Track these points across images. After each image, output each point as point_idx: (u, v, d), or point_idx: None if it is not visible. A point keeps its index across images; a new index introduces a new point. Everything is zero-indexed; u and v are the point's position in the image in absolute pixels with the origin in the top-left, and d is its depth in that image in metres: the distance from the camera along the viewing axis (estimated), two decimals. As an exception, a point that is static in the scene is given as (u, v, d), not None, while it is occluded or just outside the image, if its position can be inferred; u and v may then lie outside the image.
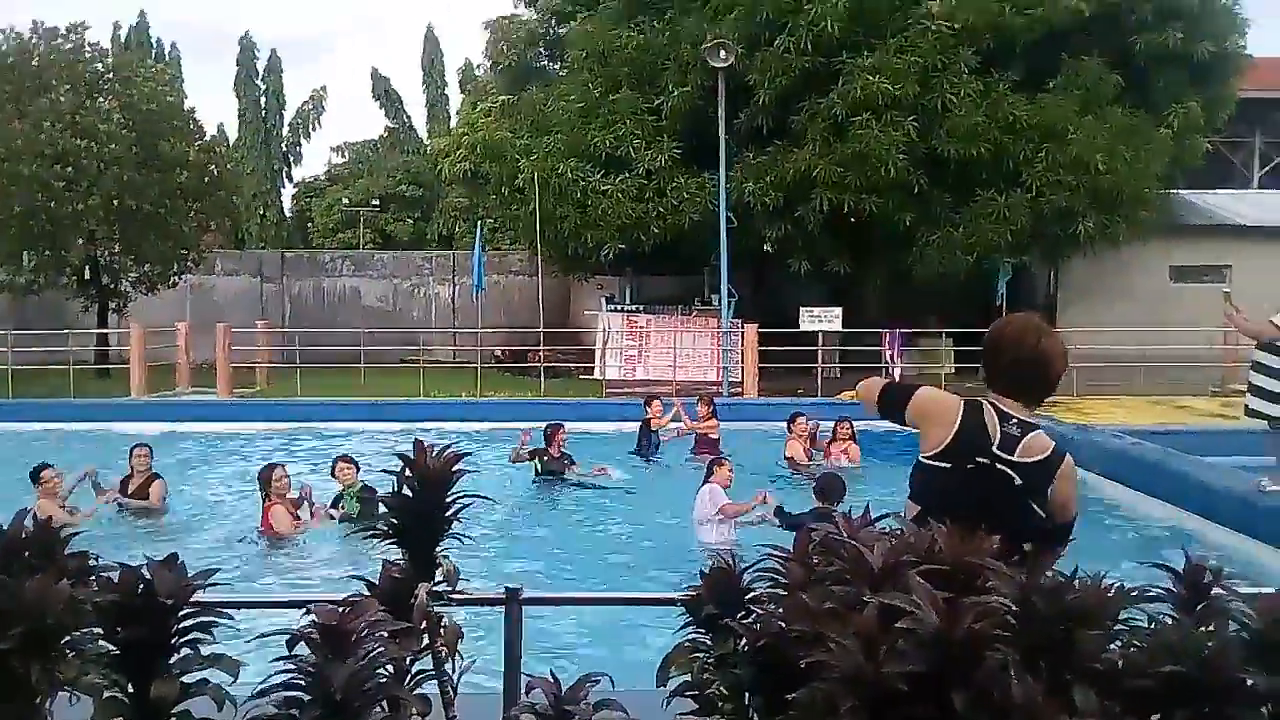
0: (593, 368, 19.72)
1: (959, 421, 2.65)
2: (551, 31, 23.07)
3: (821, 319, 17.91)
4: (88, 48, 21.72)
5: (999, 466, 2.60)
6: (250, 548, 7.82)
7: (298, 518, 7.94)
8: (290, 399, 17.19)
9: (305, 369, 19.43)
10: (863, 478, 10.71)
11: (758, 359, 17.65)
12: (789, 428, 11.41)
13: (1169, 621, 1.54)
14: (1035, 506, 2.61)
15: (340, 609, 1.34)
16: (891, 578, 1.37)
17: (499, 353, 23.14)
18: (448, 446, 1.65)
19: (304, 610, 1.52)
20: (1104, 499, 9.53)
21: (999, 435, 2.62)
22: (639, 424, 12.18)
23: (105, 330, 22.23)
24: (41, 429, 14.14)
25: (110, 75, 21.67)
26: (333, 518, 8.13)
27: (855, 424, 11.43)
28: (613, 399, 16.93)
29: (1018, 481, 2.59)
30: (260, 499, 7.99)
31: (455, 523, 1.64)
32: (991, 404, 2.68)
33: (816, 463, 11.02)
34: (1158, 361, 17.33)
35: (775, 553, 1.80)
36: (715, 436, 12.05)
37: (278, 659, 1.45)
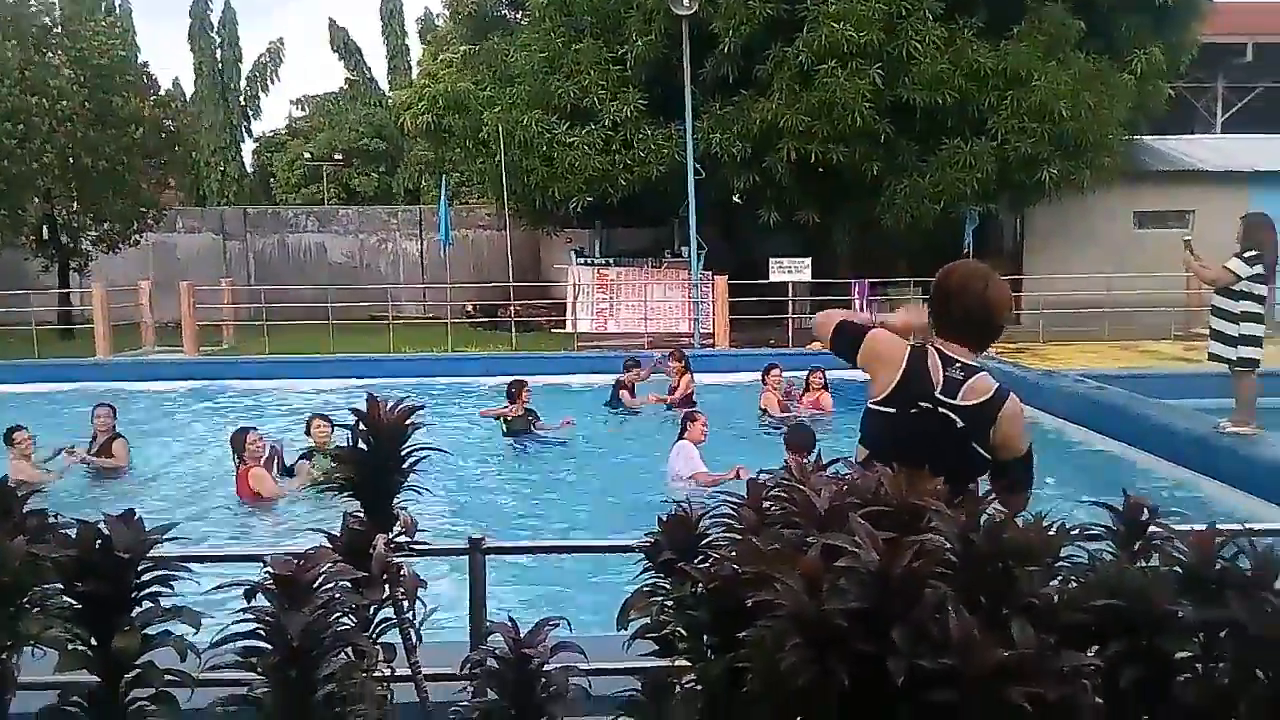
0: (564, 321, 19.70)
1: (903, 366, 2.71)
2: (513, -21, 22.65)
3: (791, 269, 17.97)
4: (33, 2, 21.07)
5: (940, 410, 2.66)
6: (225, 512, 7.78)
7: (275, 483, 7.90)
8: (259, 356, 17.05)
9: (272, 326, 19.25)
10: (838, 429, 10.85)
11: (728, 310, 17.70)
12: (763, 379, 11.48)
13: (1108, 559, 1.60)
14: (978, 447, 2.67)
15: (296, 560, 1.36)
16: (837, 520, 1.41)
17: (469, 308, 23.03)
18: (402, 400, 1.66)
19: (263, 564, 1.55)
20: (1069, 444, 9.71)
21: (941, 380, 2.68)
22: (614, 379, 12.20)
23: (67, 290, 21.88)
24: (6, 390, 13.95)
25: (58, 30, 21.08)
26: (313, 477, 8.08)
27: (828, 374, 11.55)
28: (585, 352, 16.96)
29: (959, 424, 2.65)
30: (235, 464, 7.91)
31: (412, 475, 1.65)
32: (937, 349, 2.74)
33: (791, 414, 11.11)
34: (1123, 307, 17.58)
35: (730, 498, 1.84)
36: (689, 392, 12.09)
37: (238, 610, 1.48)
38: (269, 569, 1.36)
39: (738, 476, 7.92)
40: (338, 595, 1.39)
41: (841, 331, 2.94)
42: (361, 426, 1.59)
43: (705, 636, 1.62)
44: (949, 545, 1.41)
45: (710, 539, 1.82)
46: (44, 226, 20.89)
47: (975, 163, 16.80)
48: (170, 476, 9.38)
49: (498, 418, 10.59)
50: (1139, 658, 1.33)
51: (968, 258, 18.26)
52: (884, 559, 1.23)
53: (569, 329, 19.33)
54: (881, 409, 2.73)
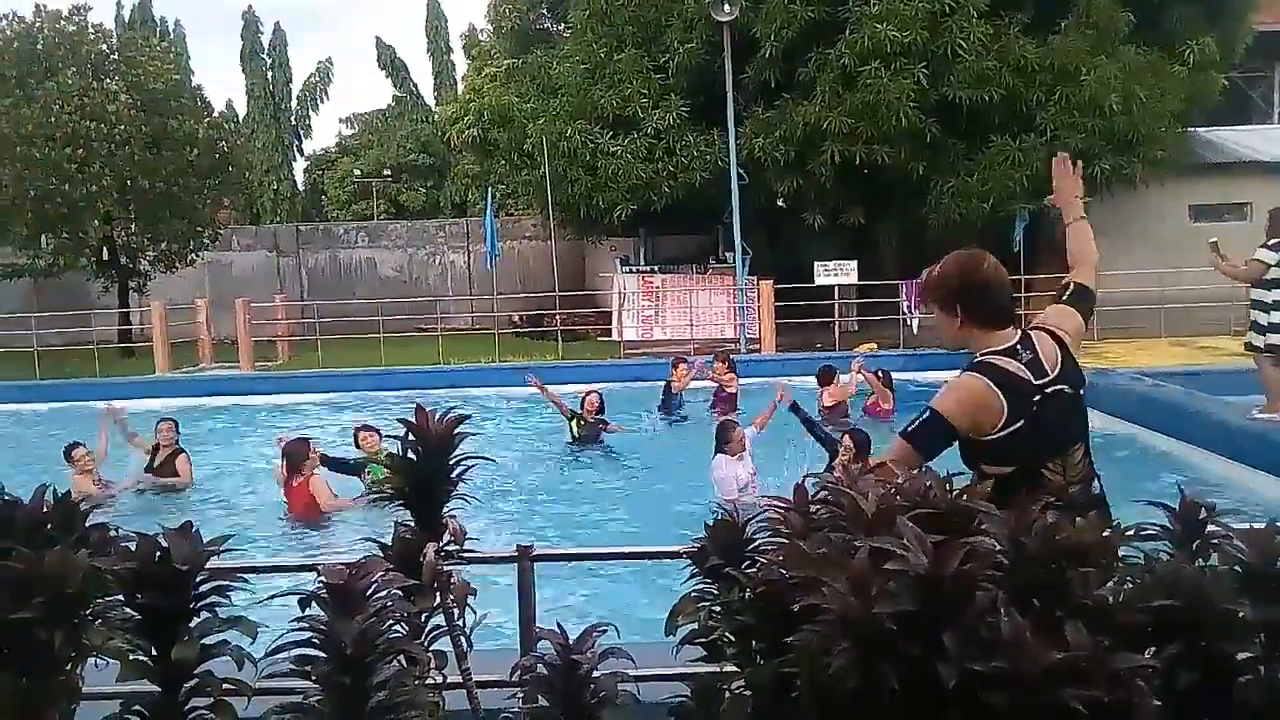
0: (610, 330, 19.75)
1: (996, 388, 2.69)
2: (554, -8, 22.81)
3: (837, 273, 17.83)
4: (91, 29, 21.70)
5: (1050, 391, 2.72)
6: (279, 526, 7.88)
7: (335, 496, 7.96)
8: (313, 370, 17.34)
9: (325, 341, 19.57)
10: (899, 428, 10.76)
11: (774, 315, 17.62)
12: (821, 382, 11.46)
13: (1165, 559, 1.57)
14: (1083, 395, 2.81)
15: (348, 569, 1.38)
16: (885, 523, 1.40)
17: (516, 318, 23.20)
18: (449, 410, 1.68)
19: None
20: (1126, 443, 9.49)
21: (1028, 371, 2.72)
22: (663, 384, 12.24)
23: (127, 309, 22.45)
24: (70, 408, 14.34)
25: (115, 56, 21.67)
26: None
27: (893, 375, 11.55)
28: (631, 360, 16.99)
29: (1068, 390, 2.76)
30: (284, 477, 7.95)
31: (460, 484, 1.68)
32: (995, 356, 2.74)
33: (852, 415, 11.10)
34: (1179, 302, 17.18)
35: (776, 503, 1.84)
36: (733, 391, 12.11)
37: (293, 619, 1.50)
38: (322, 578, 1.39)
39: (781, 397, 8.00)
40: (390, 604, 1.41)
41: (925, 446, 2.72)
42: (410, 437, 1.61)
43: (753, 641, 1.61)
44: (1000, 547, 1.39)
45: (757, 544, 1.82)
46: (104, 248, 21.46)
47: (1024, 160, 16.53)
48: (227, 491, 9.56)
49: (552, 401, 10.68)
50: (1198, 660, 1.30)
51: (1019, 257, 18.04)
52: (933, 561, 1.22)
53: (615, 337, 19.37)
54: (1009, 430, 2.68)
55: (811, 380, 11.93)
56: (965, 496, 1.53)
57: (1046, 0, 16.92)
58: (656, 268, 20.26)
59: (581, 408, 10.66)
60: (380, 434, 8.39)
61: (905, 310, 17.63)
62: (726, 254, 19.46)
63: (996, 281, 2.80)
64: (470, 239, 26.23)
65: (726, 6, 16.29)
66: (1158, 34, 17.32)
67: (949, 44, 16.26)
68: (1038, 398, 2.70)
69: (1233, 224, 18.21)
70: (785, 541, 1.70)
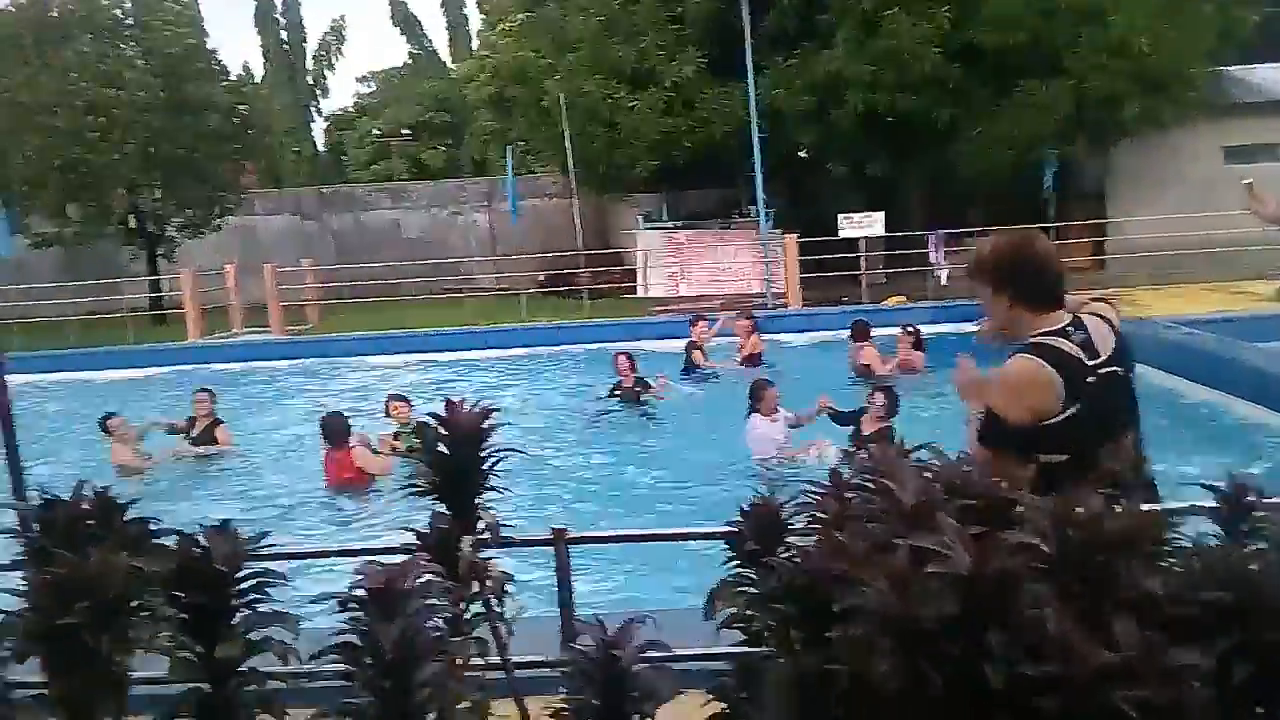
0: (635, 287, 19.69)
1: (1051, 368, 2.62)
2: (569, -58, 22.41)
3: (862, 224, 17.61)
4: (104, -4, 21.64)
5: (1103, 373, 2.66)
6: (316, 496, 7.95)
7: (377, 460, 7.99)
8: (344, 334, 17.44)
9: (353, 304, 19.64)
10: (931, 384, 10.68)
11: (799, 269, 17.48)
12: (854, 337, 11.31)
13: (1212, 543, 1.54)
14: (1133, 378, 2.77)
15: (386, 571, 1.38)
16: (924, 516, 1.38)
17: (541, 277, 23.17)
18: (479, 401, 1.67)
19: (358, 561, 1.57)
20: (1160, 392, 9.37)
21: (1081, 351, 2.66)
22: (684, 344, 12.16)
23: (156, 277, 22.63)
24: (106, 377, 14.53)
25: (130, 21, 21.60)
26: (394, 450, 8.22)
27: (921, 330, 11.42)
28: (656, 317, 16.95)
29: (1120, 372, 2.71)
30: (327, 449, 7.98)
31: (492, 476, 1.67)
32: (1047, 336, 2.67)
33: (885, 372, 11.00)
34: (1213, 247, 16.86)
35: (813, 487, 1.82)
36: (759, 350, 12.04)
37: (336, 612, 1.51)
38: (361, 580, 1.39)
39: (822, 407, 7.94)
40: (429, 602, 1.41)
41: (993, 439, 2.66)
42: (441, 430, 1.60)
43: (792, 630, 1.60)
44: (1043, 539, 1.37)
45: (794, 527, 1.81)
46: (130, 216, 21.58)
47: (1052, 104, 16.21)
48: (265, 459, 9.65)
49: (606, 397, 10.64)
50: (1252, 652, 1.27)
51: (1047, 204, 17.75)
52: (976, 560, 1.20)
53: (640, 294, 19.32)
54: (1064, 415, 2.62)
55: (842, 334, 11.85)
56: (1005, 482, 1.50)
57: (1075, -63, 16.45)
58: (680, 223, 20.11)
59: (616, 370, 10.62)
60: (410, 404, 8.44)
61: (933, 261, 17.42)
62: (750, 208, 19.28)
63: (1048, 261, 2.74)
64: (492, 198, 26.14)
65: (744, -46, 15.97)
66: (1188, -30, 16.82)
67: (974, -14, 15.88)
68: (1091, 379, 2.64)
69: (1267, 165, 17.79)
70: (821, 529, 1.69)
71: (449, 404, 1.63)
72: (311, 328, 19.48)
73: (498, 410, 1.62)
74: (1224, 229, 16.70)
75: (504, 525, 1.84)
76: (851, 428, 7.96)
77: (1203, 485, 1.68)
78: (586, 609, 2.31)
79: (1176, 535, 1.59)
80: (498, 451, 1.66)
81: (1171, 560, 1.51)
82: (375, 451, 8.29)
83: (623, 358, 10.60)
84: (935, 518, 1.35)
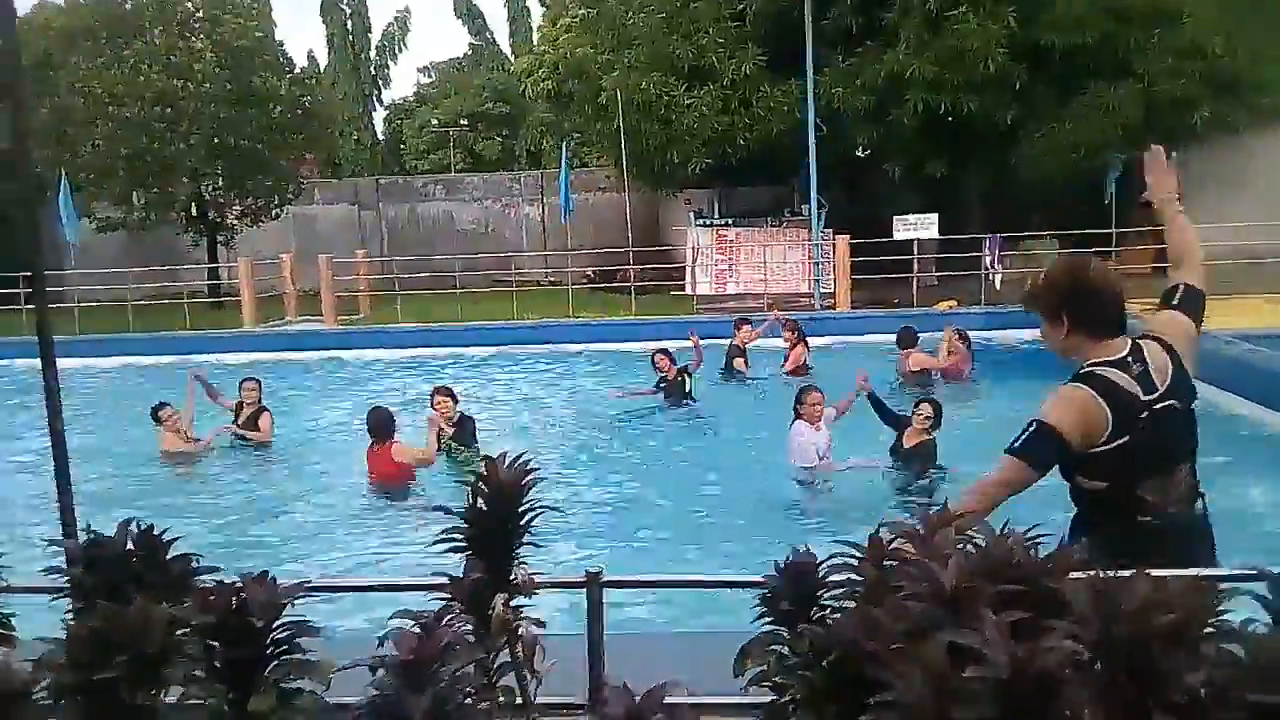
0: (684, 284, 19.65)
1: (1101, 399, 2.58)
2: (630, -62, 22.38)
3: (916, 226, 17.38)
4: (177, -11, 22.11)
5: (1159, 408, 2.61)
6: (359, 490, 8.06)
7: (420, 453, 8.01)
8: (395, 325, 17.66)
9: (405, 295, 19.90)
10: (976, 393, 10.53)
11: (850, 270, 17.30)
12: (901, 344, 11.15)
13: (1263, 630, 1.48)
14: (1194, 411, 2.70)
15: (417, 637, 1.39)
16: (965, 602, 1.35)
17: (590, 272, 23.22)
18: (520, 456, 1.67)
19: (392, 594, 1.57)
20: (1224, 414, 9.11)
21: (1137, 385, 2.60)
22: (727, 345, 12.10)
23: (215, 264, 23.12)
24: (164, 362, 14.87)
25: (200, 14, 22.04)
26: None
27: (970, 335, 11.26)
28: (705, 315, 16.90)
29: (1179, 406, 2.65)
30: (372, 444, 8.06)
31: (528, 531, 1.67)
32: (1102, 367, 2.62)
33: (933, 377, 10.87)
34: (1282, 257, 16.37)
35: (851, 550, 1.79)
36: (804, 361, 11.90)
37: (371, 661, 1.51)
38: (392, 647, 1.40)
39: (864, 383, 7.89)
40: (459, 669, 1.42)
41: (1038, 458, 2.60)
42: (483, 486, 1.60)
43: (824, 703, 1.58)
44: (1086, 629, 1.33)
45: (831, 590, 1.78)
46: (192, 204, 22.06)
47: (1119, 107, 15.83)
48: (309, 449, 9.82)
49: (636, 394, 10.68)
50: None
51: (1111, 210, 17.34)
52: (1016, 662, 1.17)
53: (688, 291, 19.28)
54: (1113, 445, 2.58)
55: (889, 338, 11.69)
56: (1052, 566, 1.46)
57: (1147, -62, 16.03)
58: (730, 221, 20.02)
59: (654, 368, 10.63)
60: (455, 397, 8.50)
61: (988, 265, 17.14)
62: (802, 207, 19.13)
63: (1107, 288, 2.68)
64: (545, 191, 26.25)
65: (807, -48, 15.81)
66: (1267, -30, 16.30)
67: (1041, -15, 15.55)
68: (1145, 414, 2.59)
69: (1345, 173, 17.24)
70: (859, 594, 1.67)
71: (488, 461, 1.63)
72: (363, 318, 19.76)
73: (537, 469, 1.62)
74: (1296, 239, 16.22)
75: (539, 547, 1.83)
76: (893, 436, 7.85)
77: (1255, 569, 1.61)
78: (614, 631, 2.30)
79: (1226, 611, 1.54)
80: (537, 508, 1.65)
81: (1220, 645, 1.46)
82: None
83: (662, 357, 10.60)
84: (976, 607, 1.31)
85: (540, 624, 1.90)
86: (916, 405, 7.90)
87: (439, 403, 8.45)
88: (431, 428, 8.03)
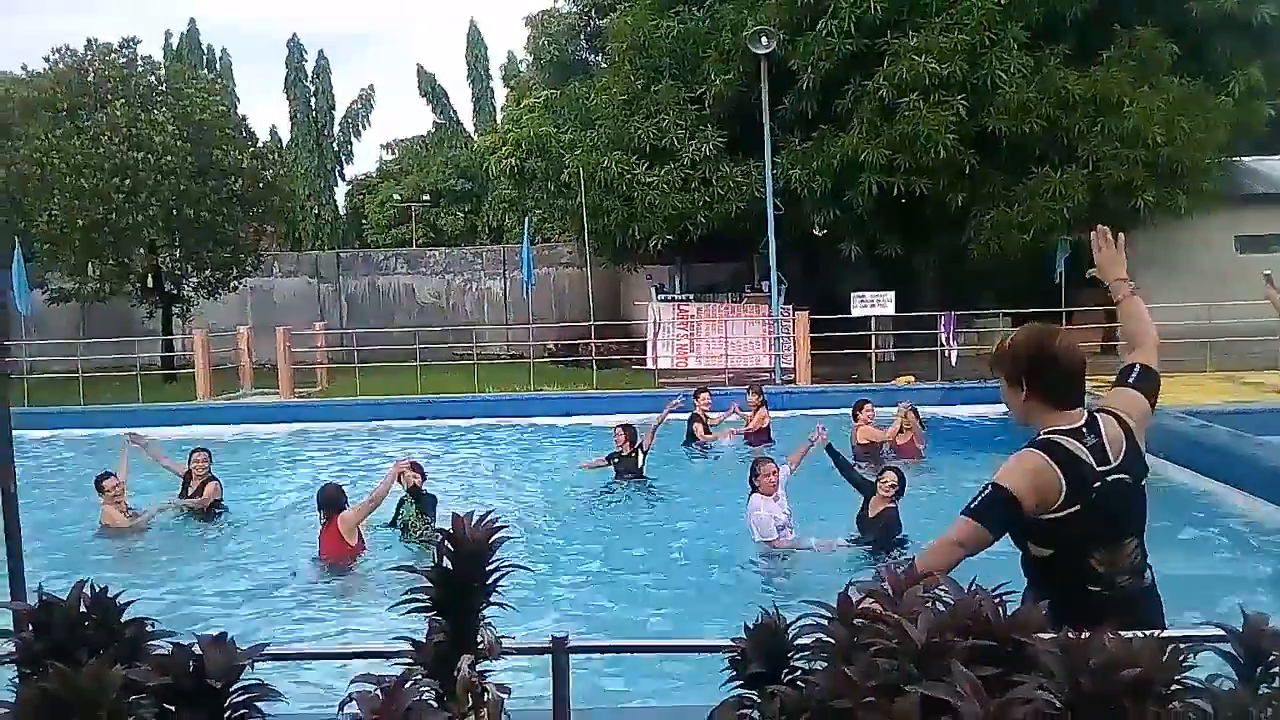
0: (645, 358, 19.73)
1: (1056, 467, 2.63)
2: (592, 24, 23.04)
3: (874, 303, 17.68)
4: (140, 62, 22.22)
5: (1111, 479, 2.65)
6: (310, 558, 7.88)
7: (359, 541, 7.87)
8: (351, 399, 17.48)
9: (363, 367, 19.75)
10: (930, 468, 10.61)
11: (810, 345, 17.51)
12: (854, 415, 11.25)
13: (1227, 685, 1.50)
14: (1144, 486, 2.74)
15: (380, 700, 1.36)
16: (936, 656, 1.35)
17: (552, 346, 23.27)
18: (487, 514, 1.66)
19: (349, 662, 1.53)
20: (1172, 486, 9.28)
21: (1091, 456, 2.65)
22: (688, 416, 12.15)
23: (170, 336, 22.82)
24: (112, 434, 14.54)
25: (163, 88, 22.17)
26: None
27: (920, 410, 11.37)
28: (667, 390, 16.93)
29: (1129, 479, 2.69)
30: (321, 520, 7.93)
31: (495, 591, 1.65)
32: (1059, 435, 2.67)
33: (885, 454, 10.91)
34: (1226, 336, 16.84)
35: (820, 610, 1.79)
36: (766, 425, 12.02)
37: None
38: (354, 703, 1.36)
39: (819, 433, 7.92)
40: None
41: (992, 522, 2.64)
42: (447, 545, 1.59)
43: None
44: (1055, 683, 1.34)
45: (800, 651, 1.77)
46: (149, 275, 21.86)
47: (1066, 191, 16.37)
48: (259, 521, 9.61)
49: (595, 467, 10.66)
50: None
51: (1060, 288, 17.80)
52: (988, 716, 1.17)
53: (649, 365, 19.35)
54: (1064, 512, 2.62)
55: (847, 412, 11.79)
56: (1020, 622, 1.47)
57: (1088, 31, 16.80)
58: (691, 296, 20.25)
59: (620, 443, 10.63)
60: (423, 474, 8.39)
61: (943, 342, 17.44)
62: (762, 283, 19.41)
63: (1068, 358, 2.73)
64: (507, 265, 26.41)
65: (764, 39, 16.34)
66: (1202, 64, 17.13)
67: (989, 75, 16.17)
68: (1098, 484, 2.63)
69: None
70: (829, 653, 1.66)
71: (455, 519, 1.62)
72: (321, 390, 19.54)
73: (505, 526, 1.61)
74: (1236, 318, 16.72)
75: (506, 608, 1.80)
76: (855, 505, 7.89)
77: (1219, 627, 1.64)
78: (583, 705, 2.26)
79: (1190, 667, 1.55)
80: (503, 567, 1.64)
81: (1184, 702, 1.47)
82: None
83: (620, 431, 10.62)
84: (946, 657, 1.32)
85: (505, 689, 1.87)
86: (881, 474, 7.99)
87: (408, 476, 8.32)
88: (393, 471, 8.00)
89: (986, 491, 2.65)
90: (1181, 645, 1.57)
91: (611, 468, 10.54)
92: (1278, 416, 10.95)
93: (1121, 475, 2.68)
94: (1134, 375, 2.92)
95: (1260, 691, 1.53)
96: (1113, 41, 16.75)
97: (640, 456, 10.49)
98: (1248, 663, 1.54)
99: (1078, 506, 2.61)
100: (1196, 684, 1.53)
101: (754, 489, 7.86)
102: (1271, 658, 1.55)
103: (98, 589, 1.83)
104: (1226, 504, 8.67)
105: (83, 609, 1.76)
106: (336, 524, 7.62)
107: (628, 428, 10.70)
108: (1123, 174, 16.25)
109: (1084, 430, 2.68)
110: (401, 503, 8.43)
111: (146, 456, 9.72)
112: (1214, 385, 15.57)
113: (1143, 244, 18.65)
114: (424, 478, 8.36)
